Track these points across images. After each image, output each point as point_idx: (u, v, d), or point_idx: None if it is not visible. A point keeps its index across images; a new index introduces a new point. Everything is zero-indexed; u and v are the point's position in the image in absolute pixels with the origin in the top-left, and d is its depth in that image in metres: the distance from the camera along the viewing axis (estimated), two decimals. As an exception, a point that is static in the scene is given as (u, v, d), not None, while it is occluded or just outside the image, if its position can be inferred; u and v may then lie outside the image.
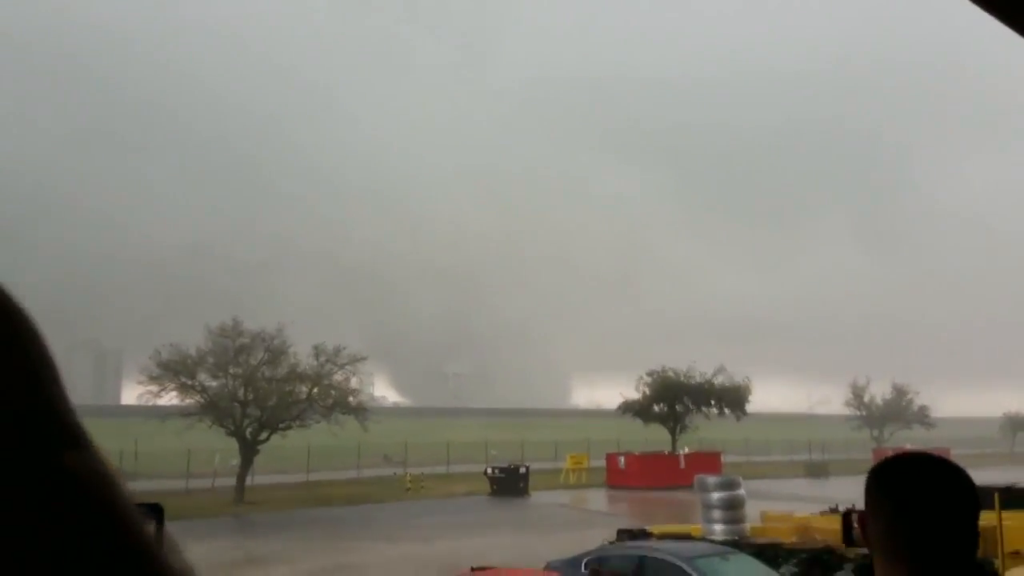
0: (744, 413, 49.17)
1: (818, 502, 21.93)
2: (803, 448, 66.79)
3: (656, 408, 49.60)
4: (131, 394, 39.58)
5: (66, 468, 0.53)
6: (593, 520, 26.33)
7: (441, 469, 49.63)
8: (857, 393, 69.62)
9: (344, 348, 37.83)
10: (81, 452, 0.54)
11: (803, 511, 18.90)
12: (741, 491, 17.69)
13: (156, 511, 1.14)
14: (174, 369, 35.08)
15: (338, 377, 37.37)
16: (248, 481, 36.31)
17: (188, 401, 35.62)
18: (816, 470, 51.81)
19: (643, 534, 16.17)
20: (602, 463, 45.09)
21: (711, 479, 18.12)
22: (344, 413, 37.03)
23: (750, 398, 49.28)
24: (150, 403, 35.42)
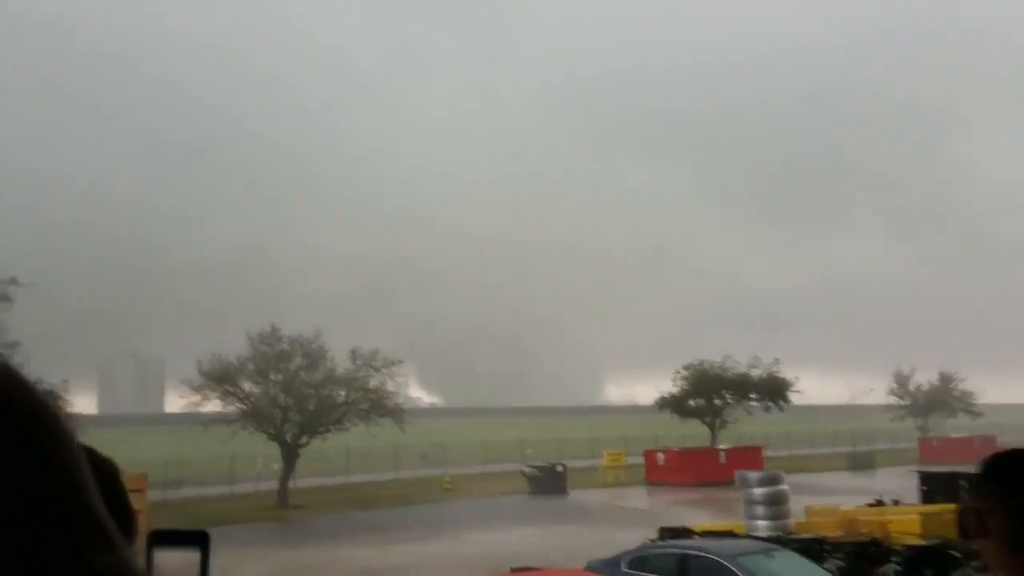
0: (786, 403, 48.49)
1: (863, 495, 21.59)
2: (846, 440, 65.76)
3: (694, 403, 49.18)
4: (174, 402, 40.23)
5: (96, 570, 0.55)
6: (633, 518, 26.17)
7: (478, 469, 49.73)
8: (901, 381, 68.37)
9: (379, 351, 38.12)
10: (111, 554, 0.56)
11: (848, 504, 18.59)
12: (784, 486, 17.48)
13: (202, 539, 1.12)
14: (216, 377, 35.64)
15: (374, 380, 37.65)
16: (290, 484, 36.70)
17: (230, 408, 36.14)
18: (860, 462, 50.97)
19: (685, 532, 16.02)
20: (640, 460, 44.78)
21: (753, 474, 17.92)
22: (381, 415, 37.31)
23: (791, 390, 48.62)
24: (193, 411, 36.04)
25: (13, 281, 25.27)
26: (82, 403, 31.90)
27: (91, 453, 1.10)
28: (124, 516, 1.09)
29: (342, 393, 36.98)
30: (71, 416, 26.42)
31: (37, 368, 25.60)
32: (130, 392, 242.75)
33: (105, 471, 1.09)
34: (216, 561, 1.07)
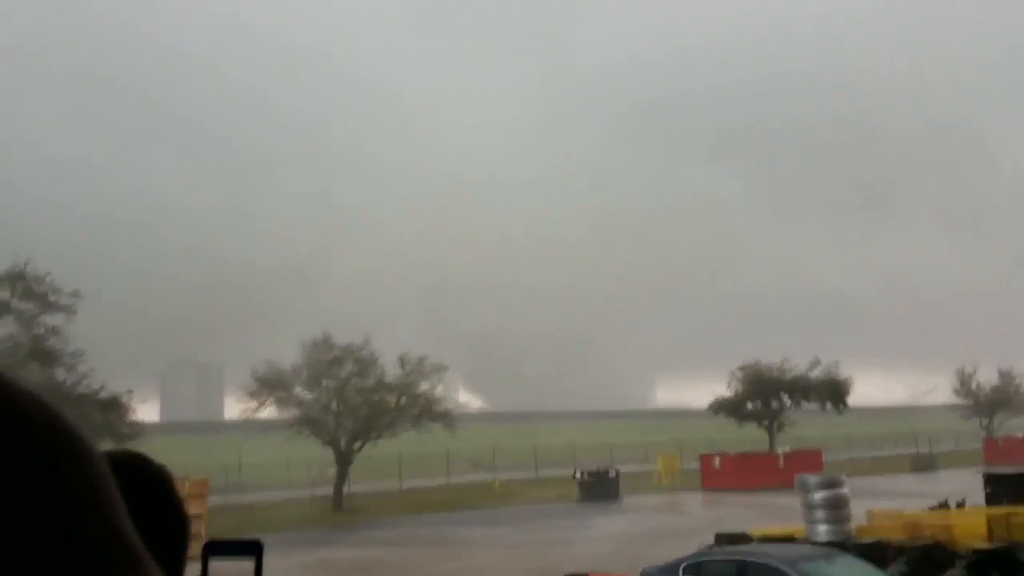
0: (845, 407, 47.45)
1: (927, 497, 21.02)
2: (908, 441, 64.09)
3: (750, 405, 48.41)
4: (233, 409, 41.13)
5: None
6: (689, 524, 25.87)
7: (529, 474, 49.68)
8: (964, 380, 66.36)
9: (427, 357, 38.42)
10: (138, 574, 0.57)
11: (911, 507, 18.11)
12: (844, 489, 17.07)
13: (256, 549, 1.13)
14: (271, 384, 36.34)
15: (424, 386, 37.95)
16: (345, 490, 37.18)
17: (286, 414, 36.81)
18: (923, 464, 49.62)
19: (742, 538, 15.77)
20: (694, 465, 44.21)
21: (812, 478, 17.53)
22: (431, 421, 37.59)
23: (851, 391, 47.58)
24: (251, 417, 36.79)
25: (76, 293, 26.05)
26: (145, 411, 32.74)
27: (144, 460, 1.11)
28: (177, 523, 1.10)
29: (392, 399, 37.38)
30: (132, 426, 27.14)
31: (101, 378, 26.41)
32: (191, 399, 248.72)
33: (158, 478, 1.10)
34: (272, 567, 1.07)
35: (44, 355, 25.36)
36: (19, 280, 25.21)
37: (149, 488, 1.07)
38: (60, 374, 25.80)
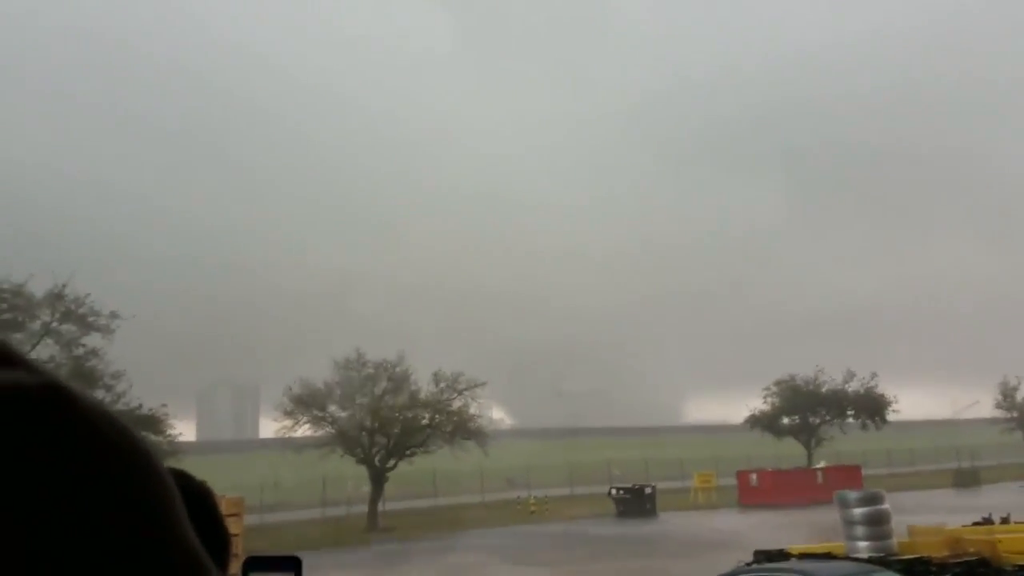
0: (884, 421, 46.63)
1: (969, 512, 20.55)
2: (949, 456, 62.72)
3: (787, 420, 47.78)
4: (268, 427, 41.55)
5: None
6: (727, 541, 25.52)
7: (564, 491, 49.41)
8: (1006, 394, 64.89)
9: (462, 374, 38.47)
10: None
11: (954, 523, 17.72)
12: (885, 505, 16.77)
13: (295, 565, 1.17)
14: (306, 402, 36.65)
15: (458, 402, 37.99)
16: (379, 507, 37.25)
17: (320, 432, 37.06)
18: (965, 479, 48.52)
19: (781, 555, 15.54)
20: (731, 481, 43.66)
21: (852, 494, 17.25)
22: (465, 438, 37.56)
23: (890, 405, 46.77)
24: (286, 436, 37.10)
25: (114, 315, 26.54)
26: (181, 430, 33.18)
27: (185, 477, 1.15)
28: (219, 539, 1.13)
29: (426, 416, 37.46)
30: (170, 443, 27.53)
31: (138, 397, 26.84)
32: (226, 418, 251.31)
33: (200, 494, 1.14)
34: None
35: (84, 376, 25.84)
36: (59, 301, 25.75)
37: (191, 504, 1.11)
38: (99, 394, 26.27)
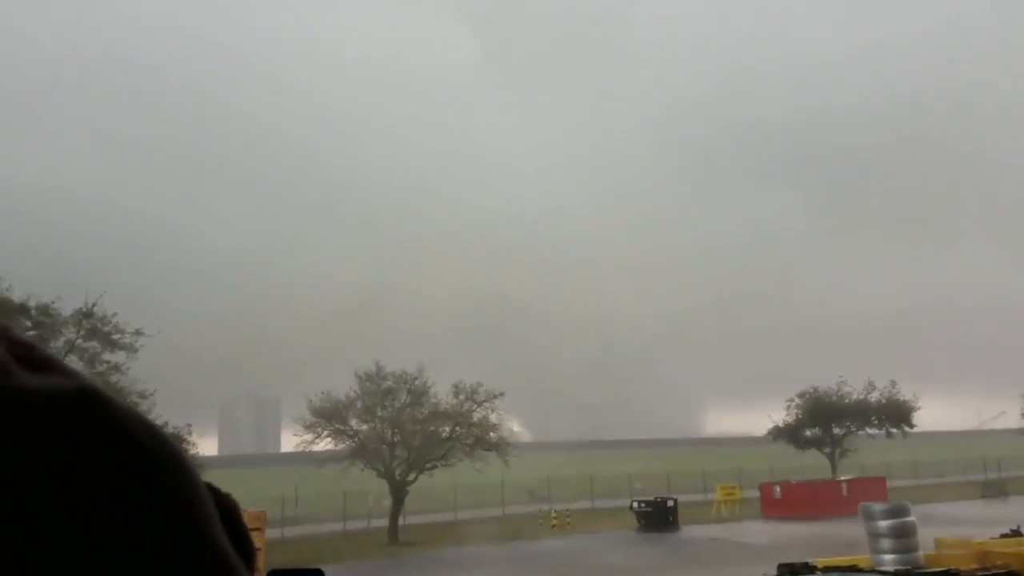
0: (910, 428, 46.07)
1: (998, 524, 20.22)
2: (976, 467, 61.80)
3: (810, 432, 47.32)
4: (289, 441, 41.73)
5: None
6: (751, 554, 25.27)
7: (586, 504, 49.14)
8: (1034, 404, 63.83)
9: (482, 385, 38.42)
10: None
11: (982, 535, 17.44)
12: (911, 517, 16.52)
13: None
14: (327, 416, 36.76)
15: (478, 414, 37.93)
16: (400, 521, 37.22)
17: (341, 445, 37.14)
18: (993, 490, 47.77)
19: (805, 568, 15.35)
20: (754, 493, 43.25)
21: (877, 506, 17.01)
22: (486, 450, 37.47)
23: (914, 412, 46.21)
24: (307, 449, 37.20)
25: (139, 332, 26.82)
26: (204, 445, 33.43)
27: (212, 490, 1.17)
28: (244, 552, 1.14)
29: (446, 428, 37.43)
30: (193, 457, 27.73)
31: (162, 411, 27.08)
32: (248, 433, 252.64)
33: (225, 507, 1.15)
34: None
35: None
36: (86, 318, 26.09)
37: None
38: None
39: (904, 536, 16.17)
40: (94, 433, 0.58)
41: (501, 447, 37.49)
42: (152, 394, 26.79)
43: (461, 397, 37.91)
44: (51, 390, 0.57)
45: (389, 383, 37.84)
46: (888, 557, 15.76)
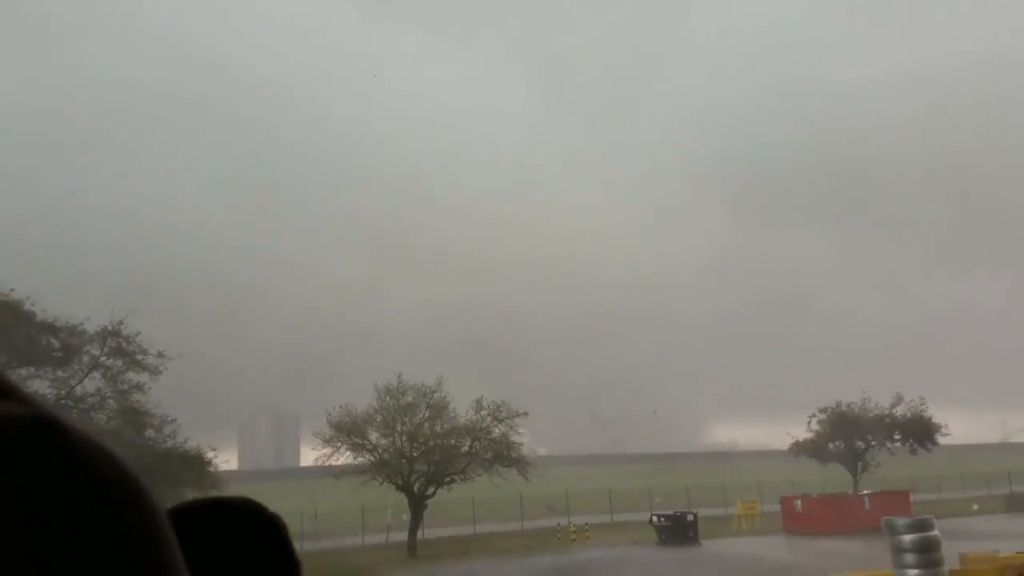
0: (935, 444, 45.59)
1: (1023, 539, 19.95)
2: (1001, 481, 60.92)
3: (831, 446, 46.92)
4: (308, 456, 41.86)
5: None
6: (773, 569, 25.04)
7: (604, 518, 48.89)
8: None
9: (505, 402, 38.33)
10: None
11: (1008, 550, 17.20)
12: (935, 532, 16.33)
13: None
14: (345, 430, 36.84)
15: (499, 430, 37.83)
16: (419, 535, 37.19)
17: (360, 460, 37.20)
18: (1018, 504, 47.05)
19: (827, 581, 15.20)
20: (775, 507, 42.85)
21: (900, 521, 16.83)
22: (506, 466, 37.38)
23: (939, 430, 45.72)
24: (326, 464, 37.31)
25: (161, 354, 27.08)
26: (223, 459, 33.61)
27: (258, 507, 1.21)
28: (290, 569, 1.19)
29: (466, 443, 37.40)
30: (214, 477, 27.85)
31: (182, 427, 27.30)
32: (268, 447, 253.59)
33: (271, 525, 1.20)
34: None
35: (133, 415, 26.44)
36: (111, 337, 26.39)
37: (263, 533, 1.16)
38: (148, 434, 26.84)
39: (928, 551, 15.99)
40: (46, 462, 0.55)
41: (521, 464, 37.35)
42: (173, 421, 27.04)
43: (483, 412, 37.87)
44: (2, 416, 0.55)
45: (409, 398, 37.89)
46: (912, 572, 15.59)
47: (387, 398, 37.77)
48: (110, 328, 26.31)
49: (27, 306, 25.20)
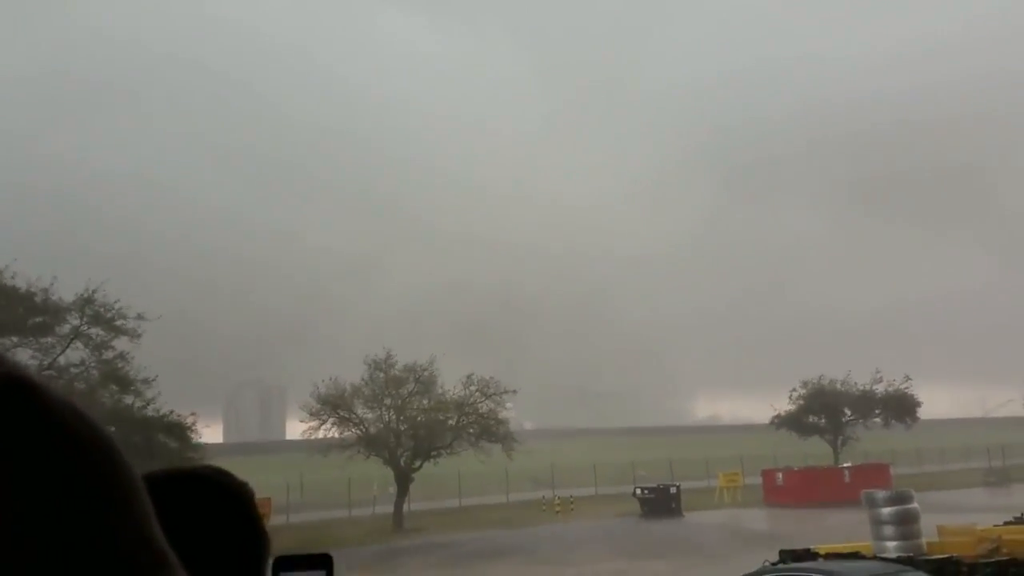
0: (914, 420, 46.13)
1: (1001, 512, 20.27)
2: (980, 455, 61.84)
3: (813, 419, 47.38)
4: (295, 429, 41.84)
5: None
6: (753, 541, 25.37)
7: (589, 491, 49.31)
8: (1038, 392, 63.91)
9: (494, 379, 38.31)
10: (166, 574, 0.59)
11: (985, 522, 17.49)
12: (914, 504, 16.58)
13: (326, 563, 1.21)
14: (332, 403, 36.78)
15: (487, 406, 37.84)
16: (405, 508, 37.38)
17: (347, 433, 37.21)
18: (996, 477, 47.83)
19: (808, 554, 15.42)
20: (757, 480, 43.37)
21: (880, 493, 17.08)
22: (491, 441, 37.49)
23: (919, 406, 46.26)
24: (312, 437, 37.26)
25: (140, 317, 26.71)
26: (208, 432, 33.50)
27: (226, 476, 1.20)
28: (256, 540, 1.18)
29: (452, 417, 37.47)
30: (197, 447, 27.69)
31: (166, 399, 27.10)
32: (253, 420, 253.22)
33: (239, 494, 1.19)
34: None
35: (116, 380, 26.14)
36: (88, 305, 26.03)
37: (230, 503, 1.16)
38: (129, 400, 26.53)
39: (907, 523, 16.23)
40: (16, 421, 0.55)
41: (506, 440, 37.45)
42: (154, 379, 26.67)
43: (472, 388, 37.85)
44: None
45: (396, 371, 37.81)
46: (891, 544, 15.83)
47: (376, 371, 37.73)
48: (85, 296, 25.93)
49: (7, 277, 24.86)
